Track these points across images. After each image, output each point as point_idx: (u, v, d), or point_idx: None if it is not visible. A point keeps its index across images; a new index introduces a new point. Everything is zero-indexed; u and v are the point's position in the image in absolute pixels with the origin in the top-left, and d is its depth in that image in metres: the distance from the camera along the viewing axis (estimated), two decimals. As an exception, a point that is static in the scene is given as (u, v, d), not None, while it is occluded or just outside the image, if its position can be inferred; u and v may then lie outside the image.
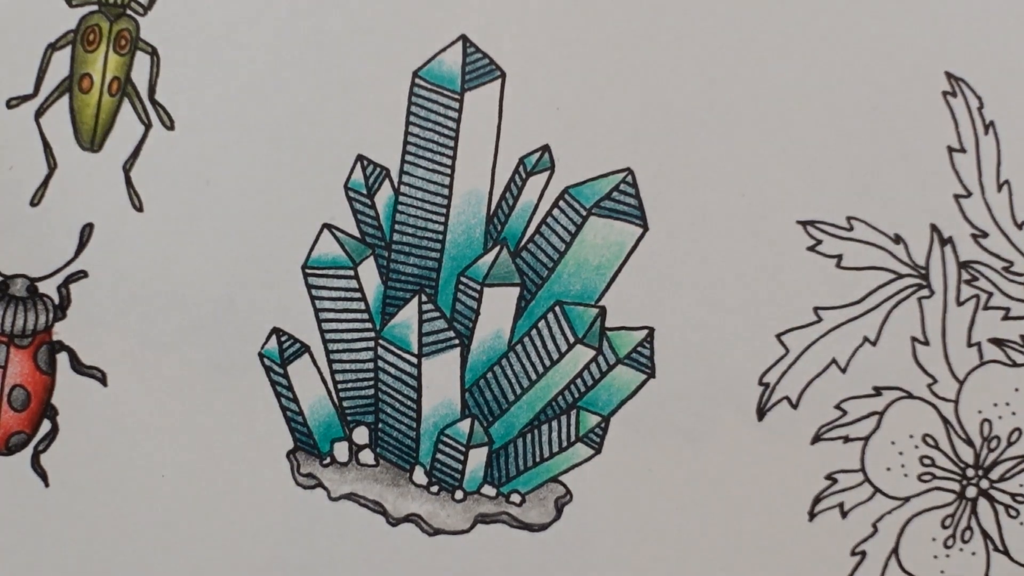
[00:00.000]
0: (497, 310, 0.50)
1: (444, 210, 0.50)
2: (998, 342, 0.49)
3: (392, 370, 0.50)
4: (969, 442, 0.49)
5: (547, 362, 0.50)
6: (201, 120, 0.50)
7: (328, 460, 0.51)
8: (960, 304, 0.49)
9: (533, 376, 0.50)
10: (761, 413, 0.49)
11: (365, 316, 0.50)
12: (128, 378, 0.50)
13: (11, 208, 0.50)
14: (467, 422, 0.50)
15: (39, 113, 0.50)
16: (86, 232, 0.50)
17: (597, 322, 0.50)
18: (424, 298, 0.50)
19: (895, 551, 0.49)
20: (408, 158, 0.49)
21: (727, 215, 0.49)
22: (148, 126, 0.50)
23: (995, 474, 0.49)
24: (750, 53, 0.49)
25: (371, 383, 0.50)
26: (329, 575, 0.50)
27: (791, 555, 0.49)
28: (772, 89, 0.49)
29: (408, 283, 0.50)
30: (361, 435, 0.51)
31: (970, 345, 0.49)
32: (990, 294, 0.49)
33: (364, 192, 0.50)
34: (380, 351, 0.50)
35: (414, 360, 0.50)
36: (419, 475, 0.51)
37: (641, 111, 0.49)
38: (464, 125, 0.49)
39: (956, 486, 0.49)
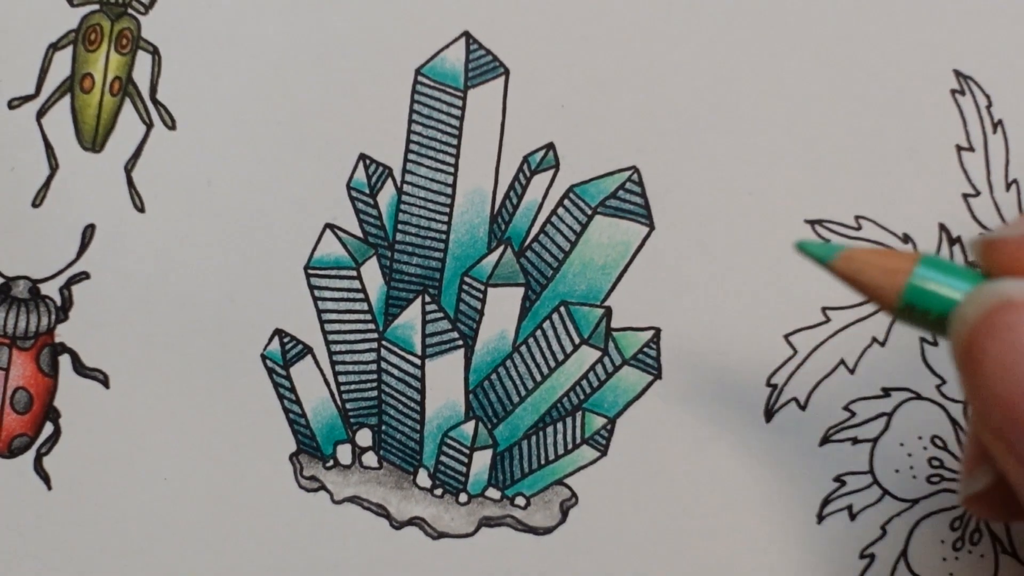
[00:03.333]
0: (501, 310, 0.50)
1: (447, 209, 0.49)
2: (1008, 342, 0.49)
3: (395, 371, 0.50)
4: (978, 443, 0.49)
5: (552, 363, 0.50)
6: (202, 120, 0.50)
7: (331, 463, 0.50)
8: (969, 304, 0.49)
9: (538, 377, 0.50)
10: (769, 414, 0.49)
11: (368, 317, 0.50)
12: (130, 380, 0.50)
13: (13, 209, 0.50)
14: (471, 424, 0.50)
15: (40, 113, 0.50)
16: (88, 233, 0.50)
17: (603, 322, 0.49)
18: (427, 298, 0.50)
19: (904, 553, 0.49)
20: (411, 157, 0.49)
21: (734, 214, 0.49)
22: (149, 126, 0.50)
23: (1005, 475, 0.49)
24: (757, 51, 0.49)
25: (374, 385, 0.50)
26: (332, 578, 0.50)
27: (799, 557, 0.49)
28: (779, 87, 0.49)
29: (411, 283, 0.50)
30: (364, 437, 0.51)
31: (979, 345, 0.49)
32: (999, 294, 0.49)
33: (367, 191, 0.50)
34: (383, 352, 0.50)
35: (417, 361, 0.50)
36: (423, 478, 0.51)
37: (647, 109, 0.49)
38: (467, 123, 0.49)
39: (965, 488, 0.49)
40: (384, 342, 0.50)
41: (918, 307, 0.35)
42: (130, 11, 0.50)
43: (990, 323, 0.31)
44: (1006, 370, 0.30)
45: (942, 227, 0.49)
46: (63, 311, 0.50)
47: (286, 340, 0.50)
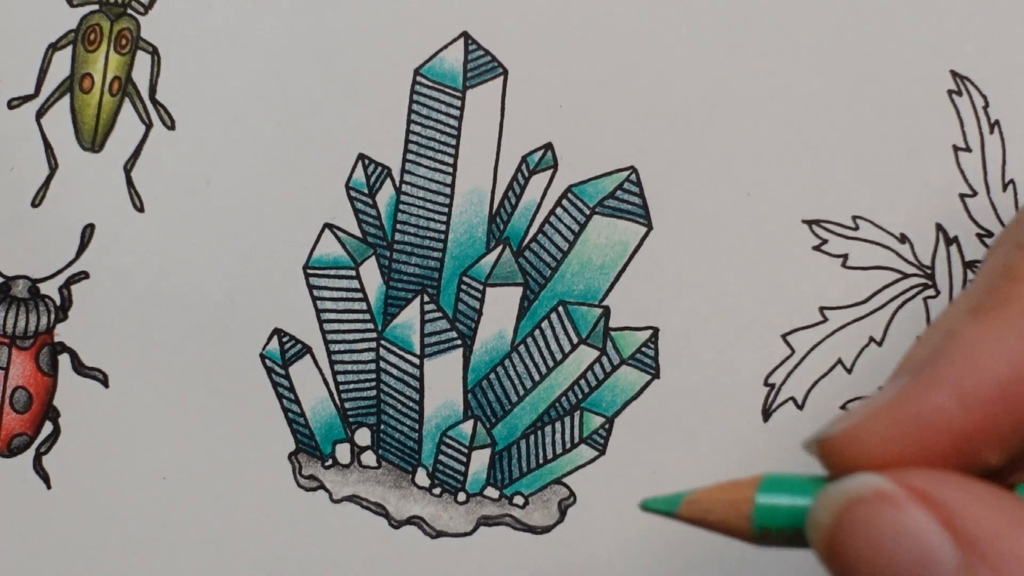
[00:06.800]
0: (500, 310, 0.50)
1: (446, 209, 0.49)
2: (1004, 342, 0.49)
3: (394, 371, 0.50)
4: (975, 443, 0.49)
5: (550, 363, 0.50)
6: (202, 120, 0.50)
7: (330, 462, 0.50)
8: (966, 304, 0.49)
9: (536, 377, 0.50)
10: (766, 414, 0.49)
11: (367, 316, 0.50)
12: (129, 379, 0.50)
13: (12, 209, 0.50)
14: (470, 423, 0.50)
15: (40, 113, 0.50)
16: (87, 233, 0.50)
17: (601, 322, 0.49)
18: (426, 298, 0.50)
19: (901, 552, 0.49)
20: (410, 157, 0.49)
21: (732, 214, 0.49)
22: (149, 126, 0.50)
23: (1001, 475, 0.49)
24: (755, 51, 0.49)
25: (373, 384, 0.50)
26: (331, 577, 0.50)
27: (796, 556, 0.49)
28: (777, 88, 0.49)
29: (410, 283, 0.50)
30: (363, 437, 0.51)
31: (976, 345, 0.49)
32: (996, 293, 0.49)
33: (365, 191, 0.50)
34: (382, 352, 0.50)
35: (416, 361, 0.50)
36: (421, 477, 0.51)
37: (645, 109, 0.49)
38: (466, 123, 0.49)
39: (962, 487, 0.49)
40: (383, 341, 0.50)
41: (772, 529, 0.34)
42: (129, 11, 0.50)
43: (846, 523, 0.32)
44: (872, 566, 0.31)
45: (939, 227, 0.49)
46: (62, 310, 0.50)
47: (285, 340, 0.50)
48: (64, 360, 0.50)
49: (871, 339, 0.49)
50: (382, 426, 0.51)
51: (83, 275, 0.50)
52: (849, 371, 0.49)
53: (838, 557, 0.32)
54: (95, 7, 0.50)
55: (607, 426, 0.50)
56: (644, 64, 0.49)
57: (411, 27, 0.49)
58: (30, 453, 0.51)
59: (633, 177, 0.49)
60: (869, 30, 0.49)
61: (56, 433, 0.50)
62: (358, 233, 0.50)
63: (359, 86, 0.49)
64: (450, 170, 0.49)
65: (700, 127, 0.49)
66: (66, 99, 0.50)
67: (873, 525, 0.31)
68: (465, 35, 0.49)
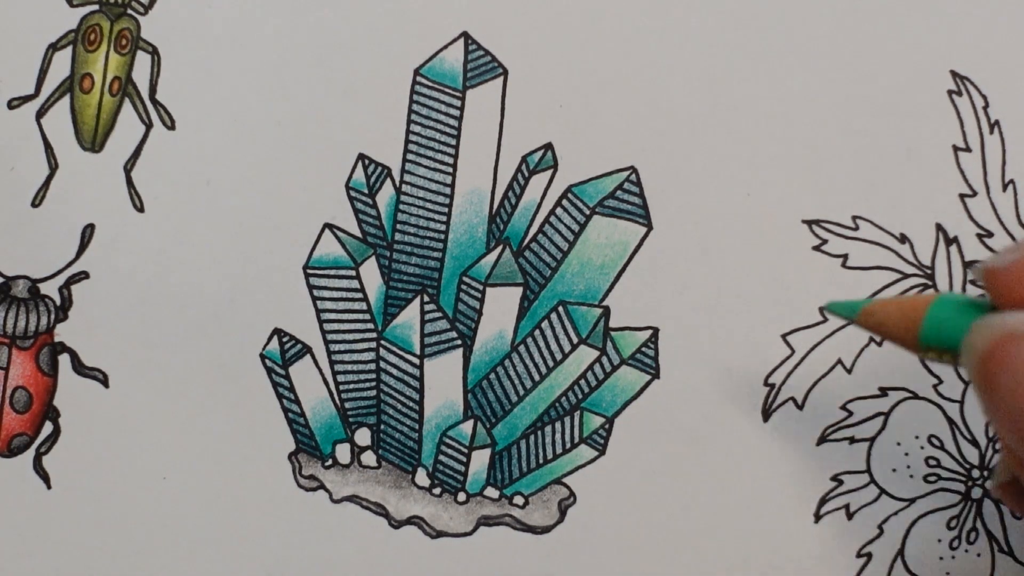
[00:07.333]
0: (500, 310, 0.50)
1: (446, 209, 0.49)
2: (1005, 342, 0.49)
3: (394, 371, 0.50)
4: (974, 443, 0.49)
5: (550, 363, 0.50)
6: (202, 120, 0.50)
7: (330, 462, 0.50)
8: (966, 304, 0.49)
9: (536, 377, 0.50)
10: (766, 414, 0.49)
11: (367, 316, 0.50)
12: (129, 379, 0.50)
13: (12, 209, 0.50)
14: (470, 423, 0.50)
15: (40, 113, 0.50)
16: (87, 233, 0.50)
17: (601, 322, 0.49)
18: (426, 298, 0.50)
19: (901, 552, 0.49)
20: (410, 157, 0.49)
21: (732, 214, 0.49)
22: (149, 126, 0.50)
23: (1001, 475, 0.49)
24: (755, 52, 0.49)
25: (373, 384, 0.50)
26: (331, 577, 0.50)
27: (797, 556, 0.49)
28: (777, 88, 0.49)
29: (410, 283, 0.50)
30: (363, 437, 0.51)
31: (976, 345, 0.49)
32: (996, 293, 0.49)
33: (366, 191, 0.50)
34: (382, 352, 0.50)
35: (416, 361, 0.50)
36: (421, 477, 0.51)
37: (645, 109, 0.49)
38: (466, 123, 0.49)
39: (961, 487, 0.49)
40: (383, 341, 0.50)
41: (935, 347, 0.36)
42: (129, 11, 0.50)
43: (996, 355, 0.34)
44: (1016, 396, 0.34)
45: (939, 227, 0.49)
46: (62, 310, 0.50)
47: (285, 340, 0.50)
48: (64, 360, 0.50)
49: (871, 339, 0.49)
50: (382, 426, 0.51)
51: (83, 275, 0.50)
52: (849, 371, 0.49)
53: (987, 384, 0.34)
54: (95, 7, 0.50)
55: (607, 426, 0.50)
56: (644, 64, 0.49)
57: (411, 27, 0.49)
58: (30, 453, 0.51)
59: (633, 177, 0.49)
60: (869, 30, 0.49)
61: (56, 433, 0.50)
62: (358, 233, 0.50)
63: (359, 86, 0.49)
64: (450, 170, 0.49)
65: (700, 127, 0.49)
66: (66, 99, 0.50)
67: (1022, 361, 0.33)
68: (465, 35, 0.49)
